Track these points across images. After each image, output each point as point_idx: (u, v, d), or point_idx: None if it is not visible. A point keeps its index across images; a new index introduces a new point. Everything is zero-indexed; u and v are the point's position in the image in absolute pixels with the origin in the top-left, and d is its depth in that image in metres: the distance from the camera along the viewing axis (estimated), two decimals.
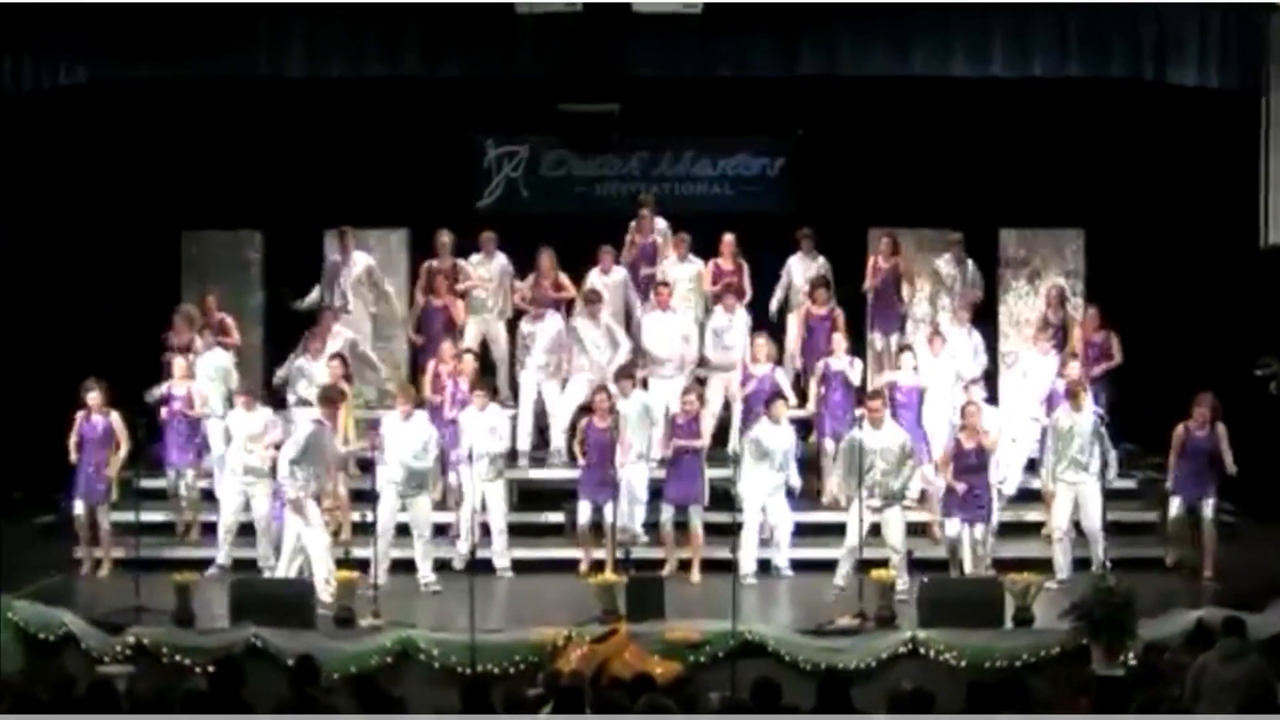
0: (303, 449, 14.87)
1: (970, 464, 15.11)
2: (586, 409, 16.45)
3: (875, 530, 15.14)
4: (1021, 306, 18.53)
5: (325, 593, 14.59)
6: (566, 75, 16.75)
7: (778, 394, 16.03)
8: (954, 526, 15.18)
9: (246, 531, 15.80)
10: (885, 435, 15.12)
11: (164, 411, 16.56)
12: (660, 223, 18.43)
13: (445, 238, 18.01)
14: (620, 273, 18.06)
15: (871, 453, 14.95)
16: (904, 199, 18.72)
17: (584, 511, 15.72)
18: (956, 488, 15.08)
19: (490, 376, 17.54)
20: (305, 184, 19.00)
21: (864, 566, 14.61)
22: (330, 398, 15.54)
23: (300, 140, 18.97)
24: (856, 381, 16.82)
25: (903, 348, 16.95)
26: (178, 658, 13.67)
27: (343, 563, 14.82)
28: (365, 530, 15.43)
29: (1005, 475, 16.18)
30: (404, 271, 18.70)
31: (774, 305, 18.30)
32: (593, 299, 17.37)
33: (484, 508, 15.75)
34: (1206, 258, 17.92)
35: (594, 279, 17.82)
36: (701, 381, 17.21)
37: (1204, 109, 16.93)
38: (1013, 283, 18.76)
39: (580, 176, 19.80)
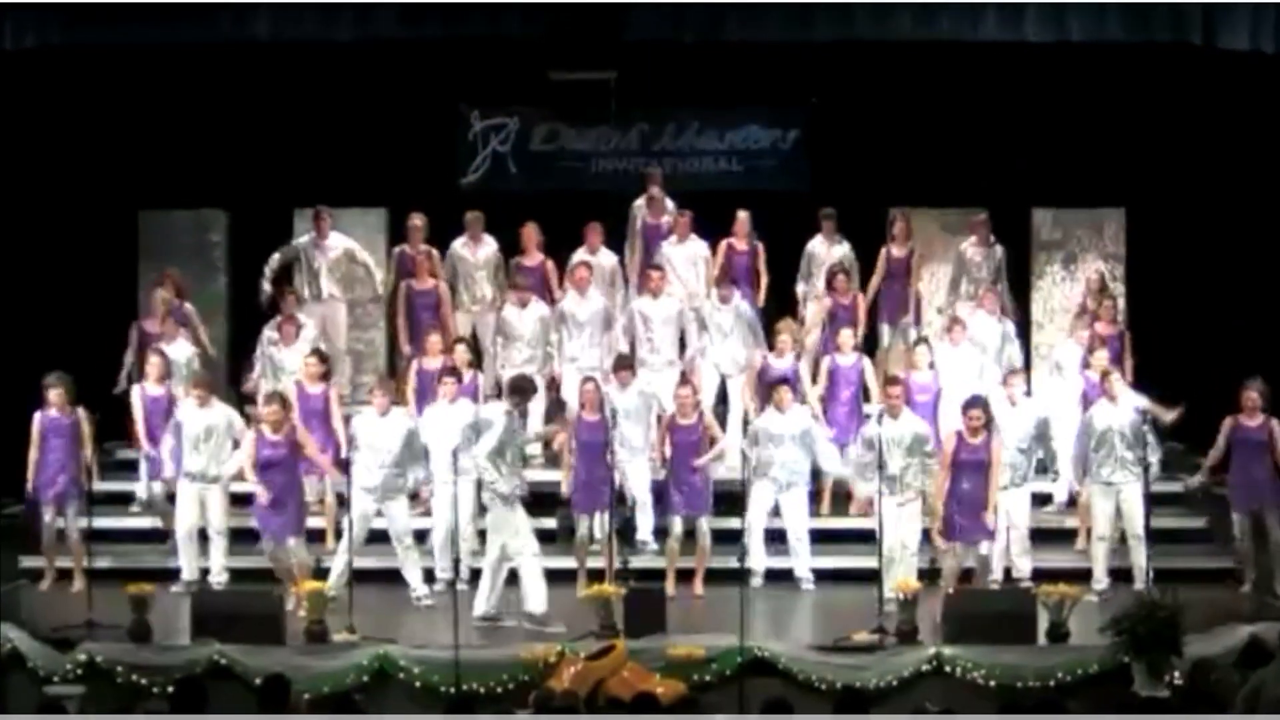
0: (499, 442, 14.67)
1: (971, 464, 14.99)
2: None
3: (870, 537, 15.04)
4: (1056, 293, 18.52)
5: (538, 604, 14.51)
6: (559, 40, 16.71)
7: (782, 380, 15.97)
8: (959, 548, 15.14)
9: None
10: (902, 425, 15.10)
11: (139, 414, 16.39)
12: (669, 203, 18.37)
13: (418, 221, 17.94)
14: (610, 256, 18.01)
15: (889, 444, 14.93)
16: (928, 175, 18.70)
17: (583, 525, 15.69)
18: (955, 493, 15.02)
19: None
20: (273, 159, 18.97)
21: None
22: (521, 387, 15.12)
23: (268, 111, 18.93)
24: (871, 382, 16.74)
25: (919, 340, 16.86)
26: (134, 677, 13.62)
27: (313, 573, 14.79)
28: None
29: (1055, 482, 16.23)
30: (381, 255, 18.65)
31: (801, 290, 18.31)
32: (578, 280, 17.26)
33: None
34: (1258, 238, 17.90)
35: (580, 258, 17.73)
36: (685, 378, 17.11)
37: (1257, 76, 16.89)
38: (1047, 268, 18.76)
39: (574, 151, 19.75)
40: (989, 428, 15.03)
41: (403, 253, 18.05)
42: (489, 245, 17.98)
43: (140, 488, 16.72)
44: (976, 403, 15.17)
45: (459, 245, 18.01)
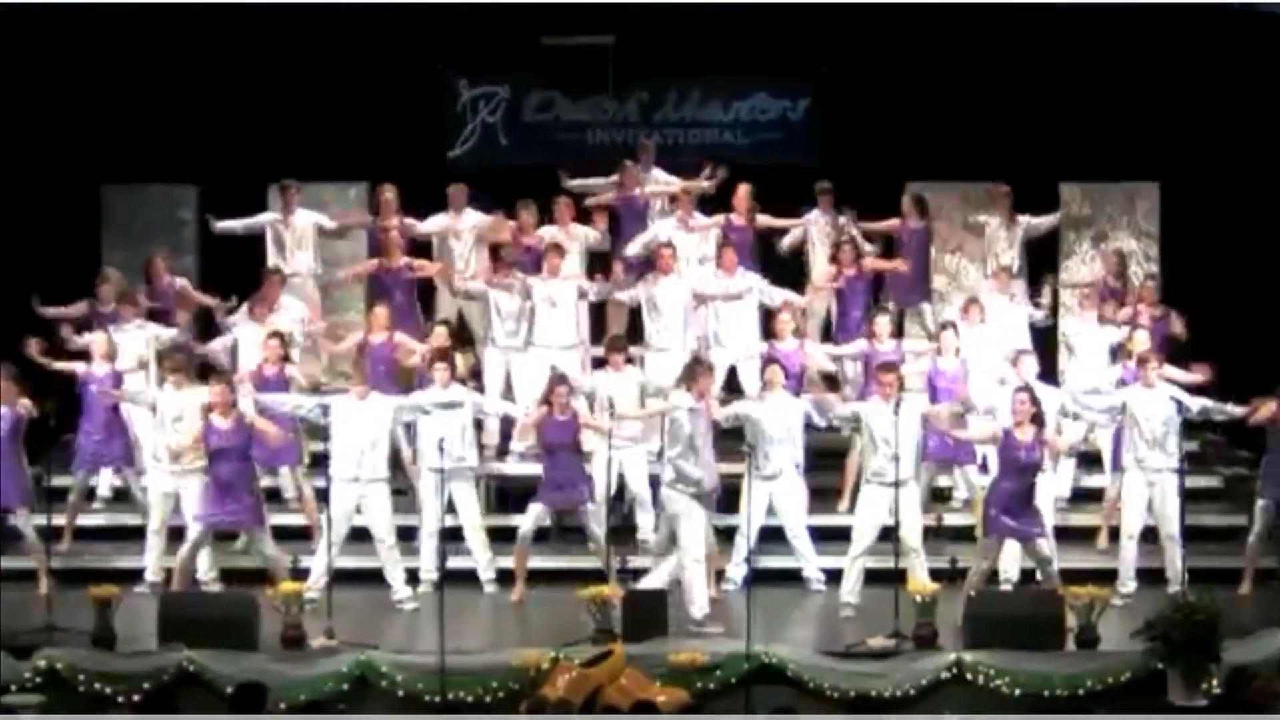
0: (688, 440, 14.65)
1: (1021, 463, 14.94)
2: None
3: (885, 535, 15.01)
4: (1085, 273, 18.48)
5: (700, 608, 14.46)
6: (552, 3, 16.66)
7: (771, 361, 15.87)
8: (1009, 550, 15.04)
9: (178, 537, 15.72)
10: (894, 413, 15.01)
11: (86, 396, 16.38)
12: (659, 174, 18.32)
13: (389, 194, 17.89)
14: (581, 231, 17.96)
15: (880, 432, 14.91)
16: (948, 148, 18.65)
17: (529, 518, 15.58)
18: (1001, 491, 14.95)
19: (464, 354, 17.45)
20: (247, 131, 18.93)
21: (899, 576, 14.55)
22: (694, 373, 14.98)
23: (241, 80, 18.88)
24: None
25: (944, 325, 16.79)
26: (97, 685, 13.59)
27: (290, 573, 14.77)
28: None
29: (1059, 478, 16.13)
30: (362, 233, 18.58)
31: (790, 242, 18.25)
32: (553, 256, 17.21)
33: (450, 508, 15.66)
34: None
35: (551, 235, 17.68)
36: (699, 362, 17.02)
37: None
38: (1076, 246, 18.72)
39: (569, 122, 19.75)
40: (1039, 420, 14.85)
41: (375, 226, 18.00)
42: (470, 218, 17.96)
43: (101, 483, 16.72)
44: (1024, 389, 15.08)
45: (440, 220, 17.99)
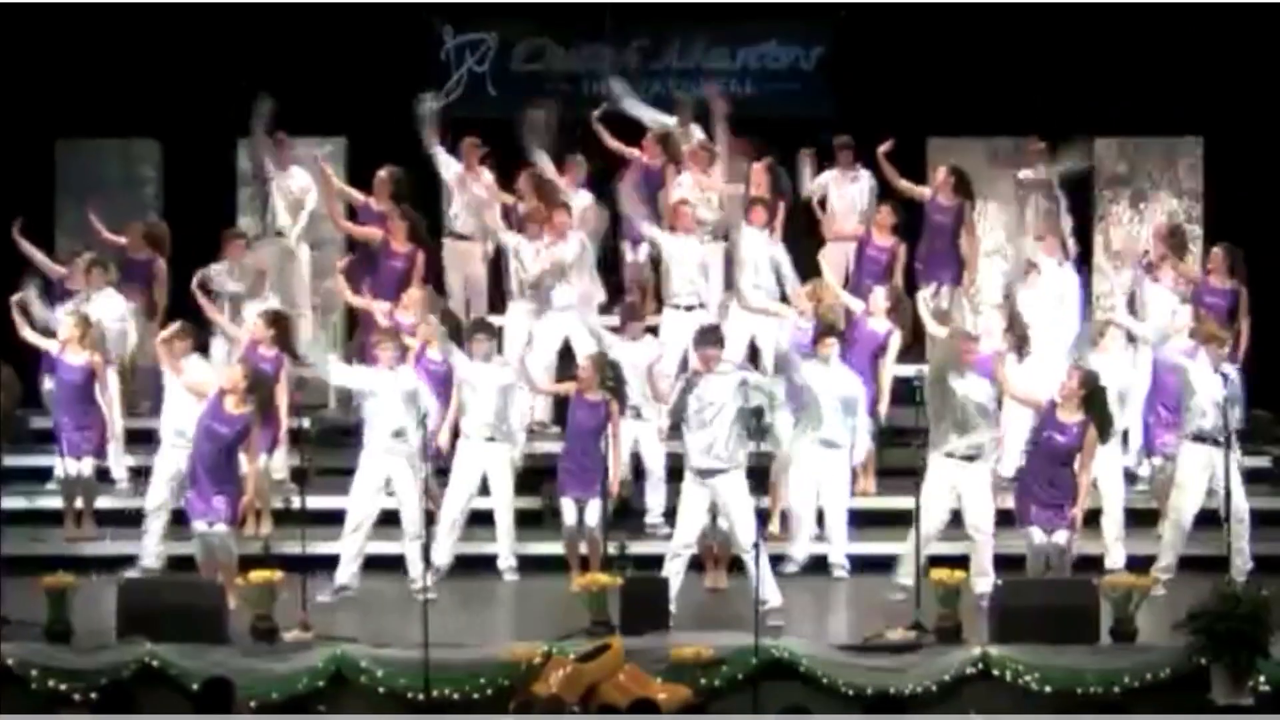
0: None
1: (1058, 446, 14.89)
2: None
3: (901, 519, 14.97)
4: (1122, 236, 18.46)
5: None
6: None
7: (829, 330, 15.84)
8: (1037, 535, 14.96)
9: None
10: (971, 384, 14.91)
11: (49, 381, 16.41)
12: (696, 131, 18.22)
13: (383, 174, 17.76)
14: (586, 195, 17.95)
15: (959, 400, 14.78)
16: (973, 100, 18.65)
17: (569, 513, 15.61)
18: (1032, 474, 14.90)
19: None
20: (214, 81, 18.88)
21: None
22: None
23: (207, 24, 18.87)
24: (894, 354, 16.60)
25: (1005, 309, 16.64)
26: (51, 682, 13.54)
27: (261, 560, 14.73)
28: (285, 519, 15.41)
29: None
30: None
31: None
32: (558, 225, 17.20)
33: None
34: None
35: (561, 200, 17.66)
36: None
37: None
38: (1112, 206, 18.69)
39: (562, 71, 19.75)
40: (1092, 404, 14.70)
41: (366, 207, 17.88)
42: (484, 177, 17.92)
43: (57, 463, 16.70)
44: (1080, 366, 14.94)
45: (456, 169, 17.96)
